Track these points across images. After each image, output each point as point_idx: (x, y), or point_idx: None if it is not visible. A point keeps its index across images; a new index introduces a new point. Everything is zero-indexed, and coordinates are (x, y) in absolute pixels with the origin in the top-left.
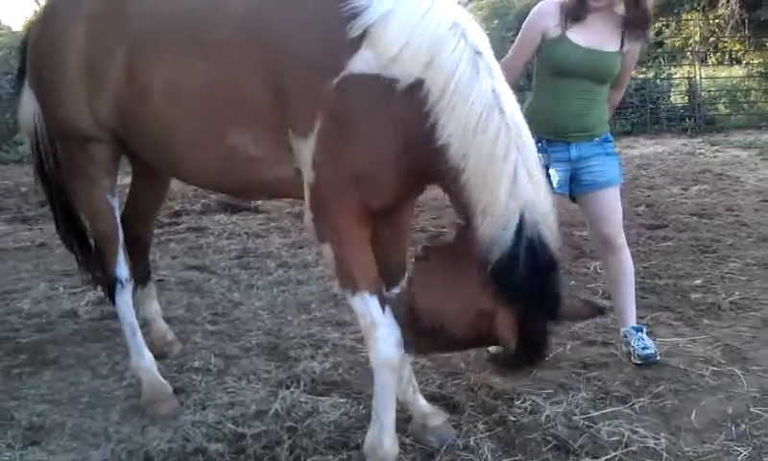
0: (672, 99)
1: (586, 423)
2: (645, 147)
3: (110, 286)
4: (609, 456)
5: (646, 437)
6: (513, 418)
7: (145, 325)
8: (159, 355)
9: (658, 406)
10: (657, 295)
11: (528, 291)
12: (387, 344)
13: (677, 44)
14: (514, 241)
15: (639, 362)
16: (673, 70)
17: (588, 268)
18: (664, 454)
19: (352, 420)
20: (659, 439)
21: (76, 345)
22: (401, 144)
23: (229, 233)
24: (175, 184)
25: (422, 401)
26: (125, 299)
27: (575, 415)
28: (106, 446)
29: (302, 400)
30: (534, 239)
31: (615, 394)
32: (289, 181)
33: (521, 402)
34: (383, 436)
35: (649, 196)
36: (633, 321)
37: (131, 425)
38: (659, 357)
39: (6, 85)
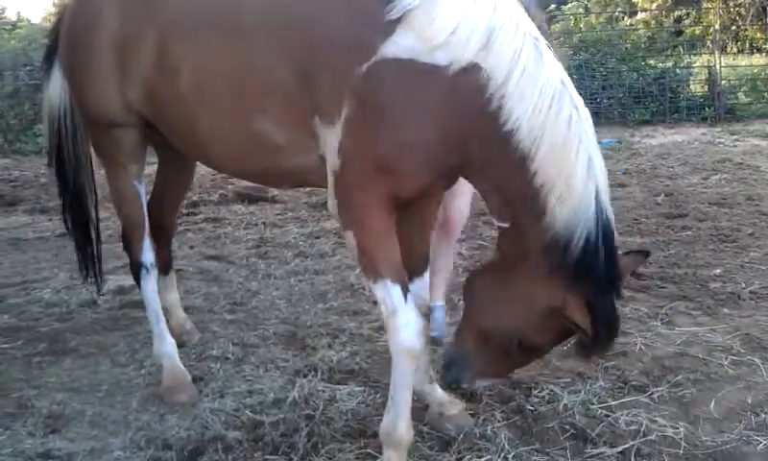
0: (692, 88)
1: (604, 412)
2: (664, 136)
3: (136, 272)
4: (627, 445)
5: (665, 426)
6: (530, 407)
7: (165, 314)
8: (178, 344)
9: (676, 396)
10: (676, 284)
11: (602, 271)
12: (408, 332)
13: (697, 33)
14: (593, 223)
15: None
16: (693, 59)
17: None
18: (683, 443)
19: (369, 408)
20: (677, 428)
21: (95, 334)
22: (440, 133)
23: (247, 224)
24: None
25: (439, 391)
26: (150, 284)
27: (593, 404)
28: (125, 433)
29: (320, 388)
30: (606, 221)
31: (634, 383)
32: (313, 170)
33: (539, 391)
34: (398, 422)
35: (668, 185)
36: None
37: (149, 413)
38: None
39: (25, 77)
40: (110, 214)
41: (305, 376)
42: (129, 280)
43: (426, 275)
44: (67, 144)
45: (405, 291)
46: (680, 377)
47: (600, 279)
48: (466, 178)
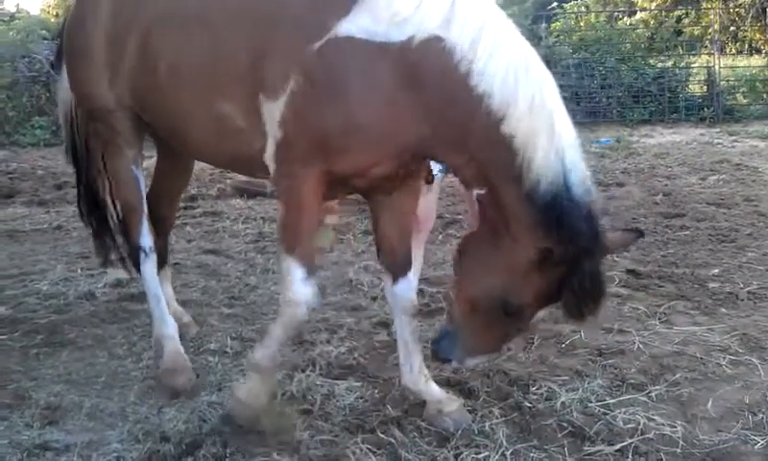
0: (690, 88)
1: (601, 410)
2: (663, 136)
3: (134, 255)
4: (624, 443)
5: (662, 425)
6: (528, 404)
7: None
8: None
9: (674, 394)
10: (674, 284)
11: (582, 224)
12: (300, 307)
13: (696, 33)
14: (564, 176)
15: None
16: (692, 59)
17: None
18: (680, 442)
19: (368, 403)
20: (675, 427)
21: (93, 326)
22: (392, 111)
23: (245, 218)
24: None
25: (436, 388)
26: (149, 267)
27: (591, 402)
28: (122, 426)
29: (318, 383)
30: (580, 175)
31: (631, 381)
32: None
33: (537, 389)
34: (264, 351)
35: (666, 185)
36: None
37: (147, 406)
38: None
39: (24, 69)
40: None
41: (304, 371)
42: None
43: (411, 275)
44: (79, 137)
45: (309, 272)
46: (678, 376)
47: (581, 232)
48: (434, 158)
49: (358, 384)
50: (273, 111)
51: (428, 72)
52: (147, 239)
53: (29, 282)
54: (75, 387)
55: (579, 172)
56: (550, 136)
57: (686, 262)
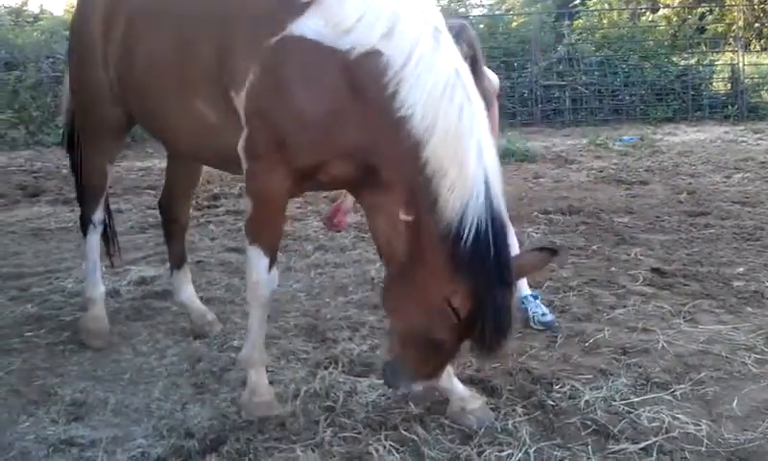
0: (714, 86)
1: (626, 408)
2: (687, 134)
3: (85, 225)
4: (649, 442)
5: (687, 423)
6: (551, 402)
7: (183, 308)
8: (200, 335)
9: (699, 393)
10: (699, 282)
11: (491, 263)
12: (264, 291)
13: (720, 30)
14: (483, 212)
15: (540, 328)
16: (715, 57)
17: (629, 254)
18: (705, 441)
19: (390, 401)
20: (700, 426)
21: (118, 323)
22: (336, 113)
23: None
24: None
25: (460, 386)
26: (94, 238)
27: (615, 400)
28: (147, 422)
29: (341, 380)
30: (497, 211)
31: (656, 380)
32: None
33: (560, 387)
34: (252, 348)
35: (690, 183)
36: (527, 288)
37: (171, 402)
38: (558, 325)
39: (47, 69)
40: (132, 206)
41: (326, 368)
42: (150, 271)
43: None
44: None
45: (272, 263)
46: (702, 375)
47: (489, 271)
48: (376, 170)
49: (380, 382)
50: (239, 106)
51: (365, 84)
52: (99, 215)
53: (54, 280)
54: (100, 383)
55: (494, 206)
56: (465, 167)
57: (711, 261)
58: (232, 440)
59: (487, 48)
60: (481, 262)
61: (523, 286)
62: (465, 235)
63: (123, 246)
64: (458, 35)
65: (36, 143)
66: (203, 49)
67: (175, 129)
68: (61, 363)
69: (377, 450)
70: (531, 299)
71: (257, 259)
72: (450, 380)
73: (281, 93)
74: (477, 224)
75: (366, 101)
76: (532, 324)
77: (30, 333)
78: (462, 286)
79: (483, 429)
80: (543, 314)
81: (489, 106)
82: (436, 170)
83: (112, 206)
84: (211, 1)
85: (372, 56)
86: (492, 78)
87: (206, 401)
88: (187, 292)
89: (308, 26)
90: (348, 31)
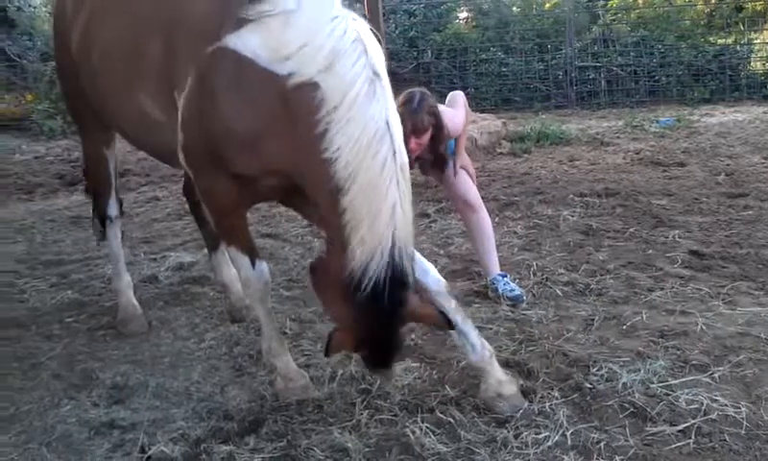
0: (752, 66)
1: (664, 391)
2: (724, 115)
3: (102, 222)
4: (687, 424)
5: (726, 406)
6: (589, 385)
7: (224, 288)
8: (237, 319)
9: (738, 375)
10: (737, 264)
11: (382, 314)
12: (256, 287)
13: (758, 9)
14: (384, 268)
15: (510, 304)
16: (754, 35)
17: (667, 237)
18: (744, 423)
19: (426, 384)
20: (739, 408)
21: (157, 308)
22: (267, 132)
23: None
24: None
25: (498, 369)
26: (113, 232)
27: (653, 383)
28: (187, 404)
29: None
30: (398, 267)
31: (694, 363)
32: None
33: (597, 370)
34: (271, 342)
35: (729, 165)
36: (496, 269)
37: (211, 385)
38: (525, 298)
39: None
40: (169, 193)
41: None
42: (188, 257)
43: (423, 264)
44: None
45: (253, 258)
46: (741, 357)
47: (380, 319)
48: (305, 192)
49: (416, 365)
50: (180, 109)
51: (298, 115)
52: (113, 210)
53: (93, 267)
54: (140, 367)
55: (395, 265)
56: (376, 224)
57: (750, 242)
58: (270, 422)
59: (521, 30)
60: (374, 311)
61: (493, 268)
62: (364, 287)
63: (161, 233)
64: (420, 104)
65: (72, 133)
66: (151, 48)
67: (122, 121)
68: (102, 348)
69: (414, 432)
70: (499, 278)
71: (238, 259)
72: (492, 363)
73: (215, 105)
74: (376, 281)
75: (297, 131)
76: (502, 300)
77: (70, 319)
78: (354, 326)
79: (520, 412)
80: (512, 290)
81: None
82: (350, 220)
83: (149, 194)
84: (158, 4)
85: (309, 88)
86: (455, 116)
87: (245, 384)
88: (228, 273)
89: (243, 42)
90: (288, 57)
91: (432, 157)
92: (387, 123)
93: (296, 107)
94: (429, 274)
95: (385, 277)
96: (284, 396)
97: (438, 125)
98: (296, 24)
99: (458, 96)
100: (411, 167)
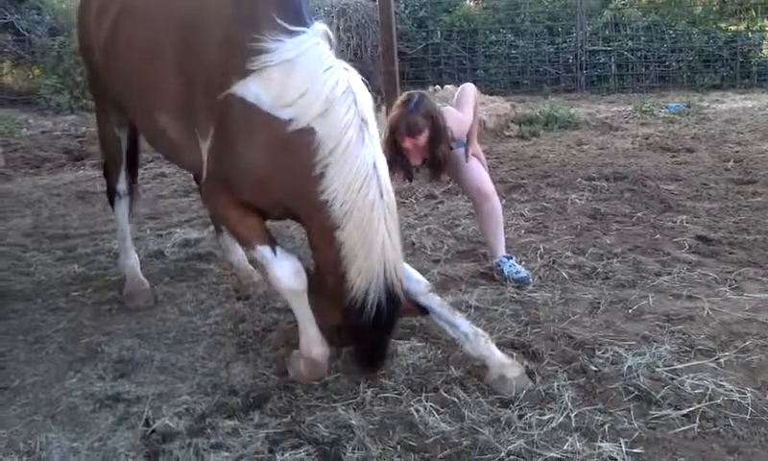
0: (764, 53)
1: (669, 375)
2: (734, 102)
3: (111, 196)
4: (692, 408)
5: (731, 391)
6: (594, 367)
7: (232, 268)
8: (245, 296)
9: (744, 361)
10: (745, 250)
11: (377, 330)
12: (284, 276)
13: None
14: (383, 289)
15: (516, 286)
16: (766, 22)
17: (675, 221)
18: (750, 408)
19: (431, 363)
20: (744, 393)
21: (163, 284)
22: (271, 173)
23: None
24: None
25: (498, 352)
26: (122, 208)
27: (658, 367)
28: (192, 379)
29: None
30: (392, 289)
31: (700, 347)
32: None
33: (603, 353)
34: (309, 340)
35: (738, 151)
36: (503, 251)
37: (215, 361)
38: (531, 280)
39: None
40: (175, 170)
41: None
42: (194, 234)
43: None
44: None
45: (273, 248)
46: (747, 343)
47: (372, 336)
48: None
49: (421, 345)
50: (203, 148)
51: (297, 157)
52: (122, 185)
53: (100, 241)
54: (146, 342)
55: (395, 288)
56: (371, 256)
57: (758, 229)
58: (275, 398)
59: (531, 12)
60: (372, 328)
61: (500, 250)
62: (368, 310)
63: (167, 209)
64: (417, 105)
65: (80, 108)
66: (171, 78)
67: (139, 123)
68: (108, 322)
69: (418, 411)
70: (505, 260)
71: (260, 253)
72: (489, 347)
73: (228, 147)
74: (379, 303)
75: (297, 172)
76: (508, 282)
77: (76, 293)
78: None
79: (524, 393)
80: (517, 272)
81: (467, 137)
82: (347, 253)
83: (156, 170)
84: (182, 40)
85: (308, 132)
86: (461, 121)
87: (250, 360)
88: (237, 253)
89: (248, 89)
90: (289, 105)
91: (430, 157)
92: (374, 166)
93: (296, 150)
94: (413, 279)
95: (381, 300)
96: (300, 377)
97: (435, 128)
98: (295, 74)
99: (468, 91)
100: (411, 179)
